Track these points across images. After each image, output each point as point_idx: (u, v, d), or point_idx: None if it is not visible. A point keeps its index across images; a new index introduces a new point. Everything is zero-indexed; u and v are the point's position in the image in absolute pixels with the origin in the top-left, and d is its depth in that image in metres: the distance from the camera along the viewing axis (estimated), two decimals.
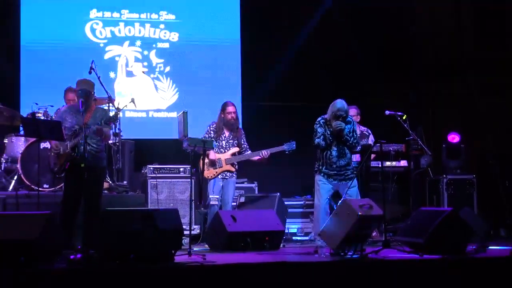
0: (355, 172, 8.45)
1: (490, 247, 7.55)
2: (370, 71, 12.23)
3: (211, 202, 8.88)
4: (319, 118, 8.34)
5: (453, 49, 12.61)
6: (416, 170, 10.08)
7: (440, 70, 12.64)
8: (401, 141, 9.84)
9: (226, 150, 9.10)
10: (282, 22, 12.40)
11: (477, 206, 10.11)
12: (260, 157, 9.06)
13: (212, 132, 9.13)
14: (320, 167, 8.28)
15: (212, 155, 8.90)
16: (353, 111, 9.81)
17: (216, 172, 9.01)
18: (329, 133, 8.22)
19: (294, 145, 9.04)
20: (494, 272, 6.76)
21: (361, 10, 12.06)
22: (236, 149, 9.15)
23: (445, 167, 10.68)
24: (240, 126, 9.45)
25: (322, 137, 8.22)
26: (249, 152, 9.18)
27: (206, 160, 8.86)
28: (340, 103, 8.20)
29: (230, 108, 9.17)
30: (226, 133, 9.19)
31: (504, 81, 12.53)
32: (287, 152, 9.07)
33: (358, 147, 9.10)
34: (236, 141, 9.18)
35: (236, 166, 9.20)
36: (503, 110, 12.45)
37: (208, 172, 8.90)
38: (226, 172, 9.08)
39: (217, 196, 8.97)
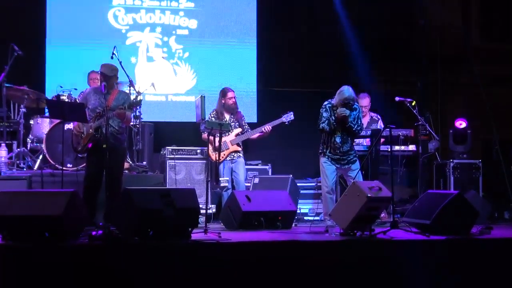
0: (357, 156, 8.46)
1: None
2: (380, 60, 12.30)
3: (221, 184, 9.02)
4: (326, 102, 8.38)
5: (460, 40, 12.72)
6: (424, 154, 10.05)
7: (447, 60, 12.79)
8: (410, 126, 9.95)
9: (229, 133, 9.31)
10: (296, 9, 12.38)
11: (482, 189, 10.19)
12: (262, 133, 9.31)
13: (213, 118, 9.30)
14: (325, 150, 8.31)
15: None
16: (366, 101, 10.01)
17: (224, 154, 9.21)
18: (333, 118, 8.24)
19: (292, 115, 9.27)
20: (497, 253, 6.88)
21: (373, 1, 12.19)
22: (239, 130, 9.39)
23: (452, 151, 10.77)
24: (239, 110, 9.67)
25: (326, 121, 8.24)
26: (251, 130, 9.42)
27: (211, 147, 8.99)
28: (347, 91, 8.21)
29: (230, 94, 9.46)
30: (227, 117, 9.43)
31: (509, 71, 12.67)
32: (286, 123, 9.32)
33: (368, 132, 9.28)
34: (237, 123, 9.44)
35: (241, 147, 9.43)
36: (507, 99, 12.58)
37: (217, 156, 8.95)
38: (233, 153, 9.31)
39: (227, 178, 9.16)
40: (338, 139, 8.28)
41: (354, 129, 8.29)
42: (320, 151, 8.40)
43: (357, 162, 8.36)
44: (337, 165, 8.31)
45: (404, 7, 12.39)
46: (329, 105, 8.34)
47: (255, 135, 9.40)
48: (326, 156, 8.32)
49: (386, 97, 10.01)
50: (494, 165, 10.16)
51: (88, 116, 7.95)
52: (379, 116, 10.08)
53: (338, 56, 12.19)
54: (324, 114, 8.30)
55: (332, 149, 8.30)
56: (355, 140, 8.81)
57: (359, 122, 8.39)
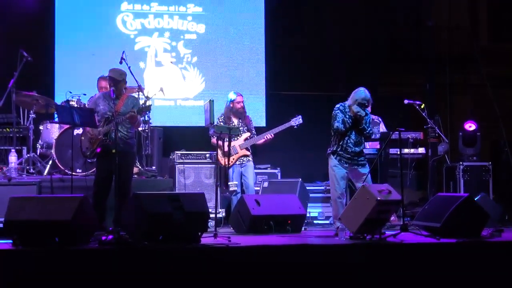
0: (366, 160, 8.37)
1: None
2: (388, 62, 12.32)
3: (230, 188, 9.02)
4: (338, 105, 8.24)
5: (468, 41, 12.72)
6: (433, 157, 10.04)
7: (456, 61, 12.77)
8: (419, 129, 9.96)
9: (238, 137, 9.30)
10: (305, 14, 12.41)
11: (492, 192, 10.08)
12: (265, 139, 9.34)
13: (221, 123, 9.32)
14: (336, 149, 8.15)
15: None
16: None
17: (233, 159, 9.22)
18: (348, 116, 8.12)
19: (301, 119, 9.29)
20: (508, 255, 6.82)
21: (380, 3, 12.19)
22: (247, 134, 9.42)
23: (462, 154, 10.68)
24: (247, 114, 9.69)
25: (341, 121, 8.11)
26: (256, 136, 9.44)
27: (220, 151, 8.97)
28: (364, 92, 8.14)
29: (238, 98, 9.47)
30: (235, 121, 9.45)
31: None
32: (295, 127, 9.33)
33: (378, 135, 9.26)
34: (246, 128, 9.46)
35: (250, 151, 9.45)
36: None
37: (226, 160, 8.88)
38: (242, 157, 9.34)
39: (236, 182, 9.17)
40: (352, 140, 8.17)
41: (367, 131, 8.23)
42: (329, 151, 8.25)
43: (367, 166, 8.29)
44: (345, 165, 8.18)
45: (412, 9, 12.37)
46: (342, 107, 8.24)
47: (260, 141, 9.41)
48: (336, 156, 8.17)
49: (394, 99, 10.00)
50: (504, 167, 10.13)
51: (97, 121, 7.95)
52: (380, 119, 10.06)
53: (346, 60, 12.19)
54: (339, 115, 8.18)
55: (344, 150, 8.18)
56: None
57: (371, 126, 8.35)
